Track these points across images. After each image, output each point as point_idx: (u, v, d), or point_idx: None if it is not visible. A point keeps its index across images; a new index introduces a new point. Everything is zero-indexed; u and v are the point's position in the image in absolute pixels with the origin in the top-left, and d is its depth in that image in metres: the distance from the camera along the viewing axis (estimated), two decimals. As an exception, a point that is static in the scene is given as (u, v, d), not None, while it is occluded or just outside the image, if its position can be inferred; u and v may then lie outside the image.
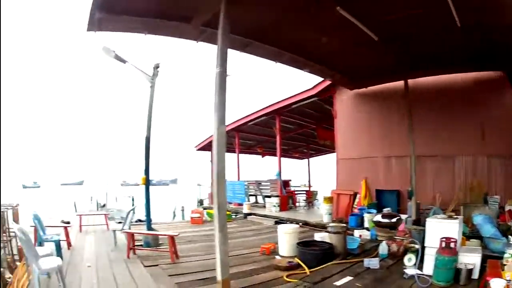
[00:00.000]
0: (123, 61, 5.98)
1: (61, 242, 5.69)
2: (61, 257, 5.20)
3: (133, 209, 7.16)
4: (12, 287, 4.14)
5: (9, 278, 4.46)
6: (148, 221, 6.53)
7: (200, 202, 17.00)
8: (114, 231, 6.50)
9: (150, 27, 4.77)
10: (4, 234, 5.05)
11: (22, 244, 3.61)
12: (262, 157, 17.22)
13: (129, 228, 6.35)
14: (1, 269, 4.39)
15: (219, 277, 3.39)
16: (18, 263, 4.99)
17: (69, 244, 6.33)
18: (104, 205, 16.65)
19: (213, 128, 3.55)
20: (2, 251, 4.91)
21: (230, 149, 13.75)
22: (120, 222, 10.24)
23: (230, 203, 11.50)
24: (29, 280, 4.13)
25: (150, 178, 6.84)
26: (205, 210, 10.38)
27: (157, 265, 4.94)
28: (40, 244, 5.33)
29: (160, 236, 6.34)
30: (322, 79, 8.83)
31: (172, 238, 5.28)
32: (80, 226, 8.48)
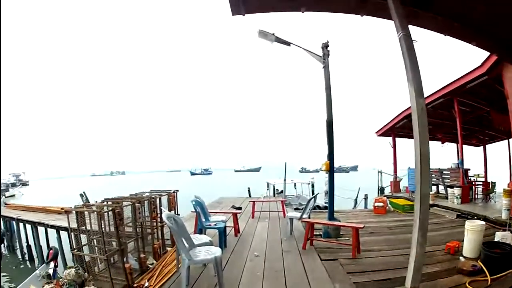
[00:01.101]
0: (287, 44, 5.55)
1: (227, 228, 5.53)
2: (225, 245, 5.12)
3: (314, 197, 6.63)
4: (153, 274, 4.07)
5: (151, 264, 4.39)
6: (331, 209, 5.98)
7: (381, 191, 15.69)
8: (291, 219, 6.10)
9: (309, 2, 4.10)
10: (154, 220, 4.98)
11: (172, 232, 3.44)
12: (442, 143, 14.24)
13: (309, 217, 5.98)
14: (142, 255, 4.32)
15: (408, 284, 2.92)
16: (169, 249, 5.11)
17: (236, 231, 6.17)
18: (281, 192, 16.05)
19: (410, 102, 2.91)
20: (149, 236, 4.92)
21: (408, 135, 12.49)
22: (296, 209, 10.19)
23: (413, 192, 10.10)
24: (178, 268, 4.03)
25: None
26: (388, 199, 9.38)
27: (335, 260, 4.46)
28: (201, 231, 5.18)
29: (341, 227, 5.82)
30: (489, 53, 6.50)
31: (356, 231, 4.71)
32: (253, 212, 8.29)
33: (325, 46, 5.66)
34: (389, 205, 8.48)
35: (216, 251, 3.50)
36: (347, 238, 5.38)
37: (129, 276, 3.79)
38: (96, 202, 4.56)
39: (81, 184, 43.20)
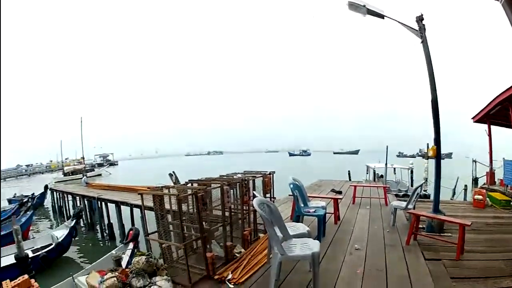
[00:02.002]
0: (380, 16, 5.07)
1: (327, 215, 5.07)
2: (323, 234, 4.66)
3: (421, 185, 5.80)
4: (238, 264, 3.67)
5: (239, 253, 4.01)
6: (437, 201, 5.15)
7: (475, 181, 14.38)
8: (396, 208, 5.53)
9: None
10: (245, 204, 4.54)
11: (264, 221, 2.86)
12: None
13: (414, 208, 5.23)
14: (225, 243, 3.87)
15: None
16: (261, 235, 4.76)
17: (336, 218, 5.70)
18: (381, 176, 15.32)
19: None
20: (239, 222, 4.50)
21: (503, 124, 11.01)
22: (397, 196, 9.71)
23: (507, 185, 8.80)
24: (269, 259, 3.54)
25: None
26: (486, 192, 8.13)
27: (439, 260, 3.83)
28: (298, 218, 4.75)
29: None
30: None
31: (463, 228, 3.92)
32: (354, 197, 7.79)
33: (420, 19, 4.98)
34: (487, 198, 7.47)
35: (313, 245, 2.92)
36: (449, 234, 4.75)
37: (210, 266, 3.41)
38: (186, 182, 4.41)
39: (175, 164, 44.39)
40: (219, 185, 3.97)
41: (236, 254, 3.94)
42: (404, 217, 5.85)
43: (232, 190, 4.37)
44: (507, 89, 8.71)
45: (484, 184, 11.37)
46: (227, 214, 4.01)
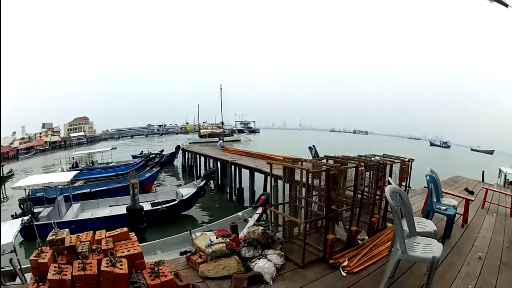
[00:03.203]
0: (505, 5, 4.34)
1: (456, 216, 4.59)
2: (449, 236, 4.23)
3: None
4: (358, 252, 3.40)
5: (362, 240, 3.72)
6: None
7: None
8: None
9: None
10: (379, 190, 4.13)
11: (392, 211, 2.60)
12: None
13: None
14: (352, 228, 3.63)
15: None
16: (389, 225, 4.44)
17: (464, 221, 5.13)
18: (511, 183, 13.22)
19: None
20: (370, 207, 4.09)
21: None
22: None
23: None
24: (390, 253, 3.21)
25: None
26: None
27: None
28: (428, 214, 4.35)
29: None
30: None
31: None
32: (484, 201, 7.07)
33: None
34: None
35: (436, 248, 2.62)
36: None
37: (328, 249, 3.25)
38: (321, 158, 4.25)
39: (317, 138, 44.34)
40: (354, 165, 3.66)
41: (359, 241, 3.69)
42: None
43: (368, 173, 4.09)
44: None
45: None
46: (358, 197, 3.73)
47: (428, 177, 4.45)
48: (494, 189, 8.48)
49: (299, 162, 3.72)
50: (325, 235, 3.31)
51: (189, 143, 29.07)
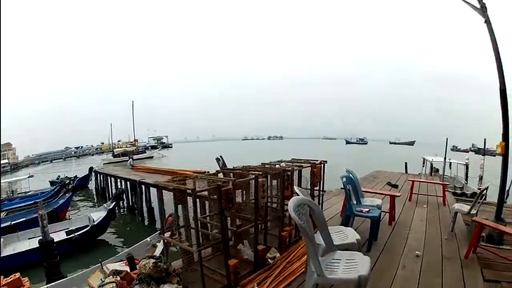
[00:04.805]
0: None
1: (382, 214, 4.42)
2: (375, 238, 3.98)
3: (486, 188, 4.85)
4: (269, 274, 3.06)
5: (273, 258, 3.33)
6: (500, 207, 4.51)
7: None
8: (456, 213, 4.76)
9: None
10: (286, 200, 3.48)
11: (300, 229, 2.14)
12: None
13: (476, 214, 4.47)
14: None
15: None
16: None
17: (391, 218, 4.89)
18: (437, 170, 14.25)
19: None
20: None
21: None
22: (454, 193, 8.86)
23: None
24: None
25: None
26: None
27: (498, 282, 3.15)
28: (348, 220, 3.97)
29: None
30: None
31: None
32: (411, 194, 6.93)
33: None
34: None
35: (362, 264, 2.17)
36: (509, 248, 4.12)
37: (232, 275, 2.80)
38: (217, 172, 3.79)
39: (231, 148, 44.83)
40: (253, 176, 3.24)
41: (269, 260, 3.28)
42: (463, 221, 5.10)
43: (275, 181, 3.76)
44: None
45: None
46: (263, 211, 3.32)
47: (344, 179, 4.13)
48: (421, 180, 8.66)
49: (187, 181, 3.18)
50: (226, 260, 2.84)
51: (104, 163, 28.01)
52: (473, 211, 4.47)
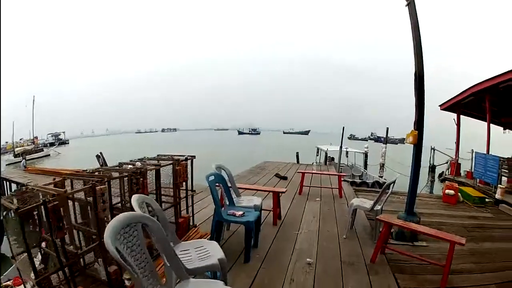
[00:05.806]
0: None
1: (264, 212, 3.84)
2: (256, 244, 3.38)
3: (394, 182, 4.06)
4: None
5: (129, 278, 2.64)
6: (412, 200, 3.92)
7: (432, 169, 13.22)
8: (355, 209, 4.14)
9: None
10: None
11: (153, 239, 1.78)
12: (504, 130, 12.06)
13: (382, 210, 3.87)
14: None
15: None
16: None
17: (276, 217, 4.20)
18: (332, 159, 13.79)
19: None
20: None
21: (474, 115, 11.32)
22: (352, 183, 8.44)
23: (476, 179, 8.42)
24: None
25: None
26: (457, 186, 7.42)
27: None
28: (220, 228, 3.26)
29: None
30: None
31: (453, 247, 2.69)
32: (301, 187, 6.17)
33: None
34: (459, 193, 6.87)
35: None
36: (424, 244, 3.75)
37: None
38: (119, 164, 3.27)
39: (123, 141, 42.22)
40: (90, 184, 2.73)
41: (126, 282, 2.82)
42: (365, 215, 4.65)
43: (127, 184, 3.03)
44: (486, 80, 8.22)
45: (446, 174, 11.13)
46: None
47: (211, 178, 3.28)
48: (314, 172, 7.91)
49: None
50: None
51: (6, 164, 25.16)
52: (377, 207, 3.86)
